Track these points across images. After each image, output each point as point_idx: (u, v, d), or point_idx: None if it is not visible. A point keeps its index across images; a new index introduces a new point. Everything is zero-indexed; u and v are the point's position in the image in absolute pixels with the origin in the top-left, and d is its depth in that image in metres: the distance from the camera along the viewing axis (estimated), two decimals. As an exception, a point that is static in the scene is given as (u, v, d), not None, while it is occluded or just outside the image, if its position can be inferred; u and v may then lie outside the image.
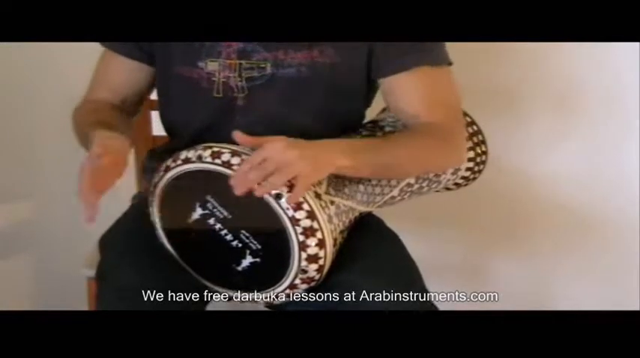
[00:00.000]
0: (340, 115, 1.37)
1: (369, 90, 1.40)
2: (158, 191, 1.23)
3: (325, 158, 1.17)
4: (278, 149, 1.13)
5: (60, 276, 1.94)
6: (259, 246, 1.18)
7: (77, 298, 1.57)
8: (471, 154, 1.46)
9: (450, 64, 1.36)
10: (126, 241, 1.28)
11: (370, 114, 1.49)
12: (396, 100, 1.35)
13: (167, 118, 1.45)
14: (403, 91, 1.33)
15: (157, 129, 1.61)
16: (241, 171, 1.14)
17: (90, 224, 1.10)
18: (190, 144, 1.23)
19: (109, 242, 1.36)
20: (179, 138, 1.40)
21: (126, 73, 1.40)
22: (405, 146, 1.29)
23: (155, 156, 1.43)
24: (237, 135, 1.16)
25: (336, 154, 1.19)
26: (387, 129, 1.42)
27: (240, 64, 1.31)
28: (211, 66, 1.32)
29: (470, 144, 1.46)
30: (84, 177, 1.11)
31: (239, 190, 1.13)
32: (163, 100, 1.44)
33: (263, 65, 1.31)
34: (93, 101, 1.41)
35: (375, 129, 1.43)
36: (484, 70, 1.90)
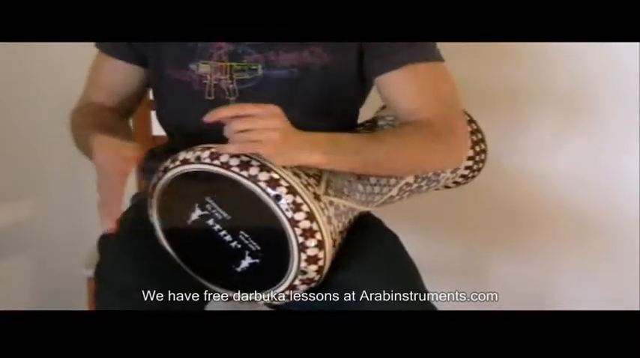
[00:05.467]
0: (334, 114, 1.36)
1: (362, 88, 1.39)
2: (157, 192, 1.23)
3: (296, 150, 1.15)
4: (267, 112, 1.12)
5: (60, 276, 1.94)
6: (258, 247, 1.18)
7: (77, 298, 1.57)
8: (470, 153, 1.46)
9: (441, 60, 1.34)
10: (125, 241, 1.28)
11: (369, 114, 1.49)
12: (391, 98, 1.33)
13: (162, 119, 1.45)
14: (398, 88, 1.32)
15: (157, 129, 1.61)
16: (227, 111, 1.13)
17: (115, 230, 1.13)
18: (188, 145, 1.22)
19: (108, 242, 1.36)
20: (177, 139, 1.40)
21: (120, 75, 1.40)
22: (393, 143, 1.26)
23: (155, 157, 1.43)
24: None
25: (308, 151, 1.16)
26: (387, 127, 1.42)
27: (231, 66, 1.31)
28: (203, 68, 1.32)
29: (469, 142, 1.45)
30: (107, 190, 1.13)
31: (208, 118, 1.13)
32: (158, 102, 1.44)
33: (254, 67, 1.31)
34: (89, 104, 1.41)
35: (374, 127, 1.43)
36: (485, 69, 1.90)
